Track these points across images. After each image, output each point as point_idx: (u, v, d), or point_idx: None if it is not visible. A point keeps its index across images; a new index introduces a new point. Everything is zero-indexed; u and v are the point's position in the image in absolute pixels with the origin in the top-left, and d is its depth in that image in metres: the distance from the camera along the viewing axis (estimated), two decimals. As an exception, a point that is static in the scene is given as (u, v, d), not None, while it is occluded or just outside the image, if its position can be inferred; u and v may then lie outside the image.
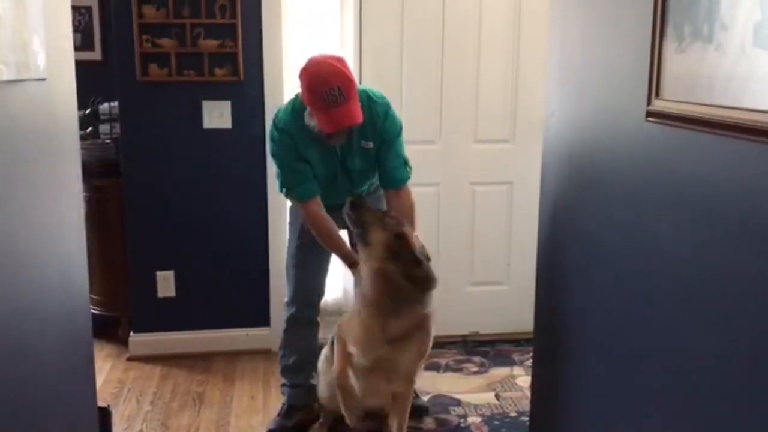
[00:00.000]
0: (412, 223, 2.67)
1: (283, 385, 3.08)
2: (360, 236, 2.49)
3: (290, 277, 2.94)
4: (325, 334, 3.02)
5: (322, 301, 3.03)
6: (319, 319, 3.00)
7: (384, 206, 2.83)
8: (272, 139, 2.71)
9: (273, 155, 2.73)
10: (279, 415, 3.03)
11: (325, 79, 2.43)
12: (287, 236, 3.03)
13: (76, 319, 2.03)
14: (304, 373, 3.00)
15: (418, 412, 3.08)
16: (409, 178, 2.80)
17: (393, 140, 2.74)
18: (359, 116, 2.51)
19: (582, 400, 2.12)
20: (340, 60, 2.54)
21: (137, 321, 3.77)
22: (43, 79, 1.65)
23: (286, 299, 2.99)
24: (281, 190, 2.76)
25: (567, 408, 2.24)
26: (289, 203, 3.01)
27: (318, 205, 2.70)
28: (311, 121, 2.56)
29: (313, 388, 2.99)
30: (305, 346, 2.95)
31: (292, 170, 2.67)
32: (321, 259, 2.89)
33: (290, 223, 2.99)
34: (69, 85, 2.00)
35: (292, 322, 2.95)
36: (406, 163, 2.80)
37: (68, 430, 1.93)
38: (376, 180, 2.87)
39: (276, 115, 2.75)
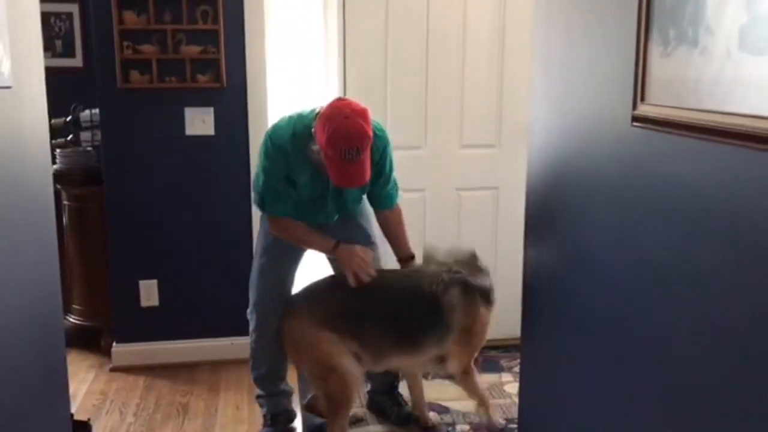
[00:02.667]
0: (404, 239, 2.90)
1: (259, 396, 3.02)
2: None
3: (254, 283, 2.89)
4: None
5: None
6: None
7: (364, 220, 2.92)
8: (265, 153, 2.66)
9: (262, 169, 2.69)
10: (265, 425, 3.00)
11: (349, 138, 2.41)
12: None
13: (49, 330, 1.99)
14: (279, 380, 2.98)
15: (407, 420, 3.06)
16: (398, 197, 2.90)
17: (388, 172, 2.80)
18: (368, 175, 2.54)
19: (570, 408, 2.10)
20: (364, 115, 2.49)
21: (120, 331, 3.72)
22: (8, 87, 1.61)
23: (251, 302, 2.93)
24: (256, 201, 2.75)
25: (555, 415, 2.22)
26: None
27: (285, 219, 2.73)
28: (317, 156, 2.54)
29: (289, 393, 2.99)
30: (273, 354, 2.89)
31: (276, 188, 2.66)
32: (289, 267, 2.88)
33: (260, 229, 2.97)
34: (38, 92, 1.94)
35: (258, 332, 2.91)
36: (395, 185, 2.88)
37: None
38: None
39: (273, 131, 2.68)
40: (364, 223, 2.92)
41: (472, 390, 2.95)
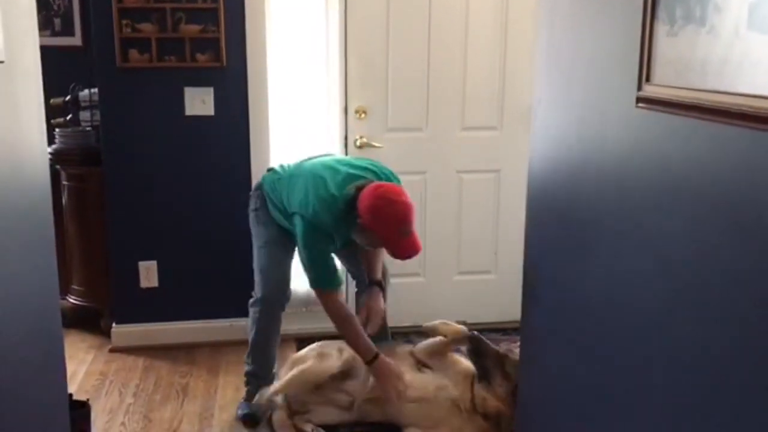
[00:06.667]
0: (377, 270, 3.02)
1: (253, 374, 3.04)
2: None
3: (259, 278, 2.95)
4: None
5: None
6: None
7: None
8: (307, 233, 2.73)
9: (309, 251, 2.76)
10: (247, 399, 3.02)
11: (405, 221, 2.62)
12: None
13: (45, 311, 1.97)
14: (272, 369, 3.05)
15: None
16: None
17: None
18: (420, 243, 2.71)
19: (570, 391, 2.09)
20: (402, 191, 2.68)
21: (119, 312, 3.71)
22: (1, 62, 1.58)
23: (258, 296, 2.96)
24: (313, 284, 2.81)
25: (555, 398, 2.22)
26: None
27: (340, 294, 2.87)
28: (364, 239, 2.75)
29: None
30: (272, 349, 3.02)
31: (327, 264, 2.79)
32: (287, 261, 2.97)
33: (254, 212, 3.02)
34: (32, 68, 1.89)
35: (260, 324, 2.96)
36: None
37: (34, 424, 1.87)
38: None
39: (313, 215, 2.72)
40: None
41: None
